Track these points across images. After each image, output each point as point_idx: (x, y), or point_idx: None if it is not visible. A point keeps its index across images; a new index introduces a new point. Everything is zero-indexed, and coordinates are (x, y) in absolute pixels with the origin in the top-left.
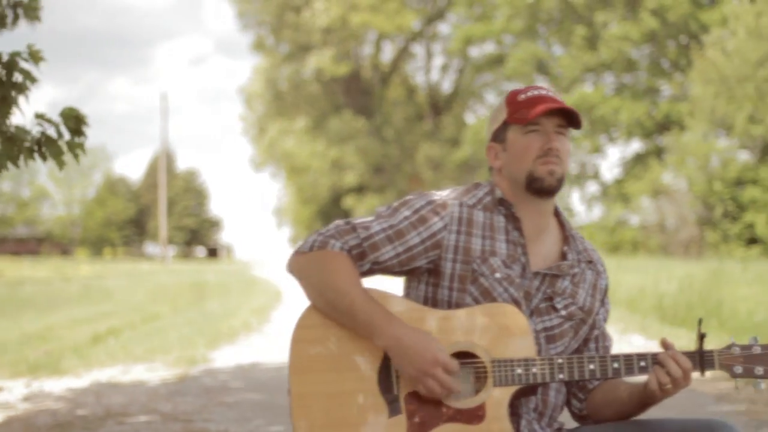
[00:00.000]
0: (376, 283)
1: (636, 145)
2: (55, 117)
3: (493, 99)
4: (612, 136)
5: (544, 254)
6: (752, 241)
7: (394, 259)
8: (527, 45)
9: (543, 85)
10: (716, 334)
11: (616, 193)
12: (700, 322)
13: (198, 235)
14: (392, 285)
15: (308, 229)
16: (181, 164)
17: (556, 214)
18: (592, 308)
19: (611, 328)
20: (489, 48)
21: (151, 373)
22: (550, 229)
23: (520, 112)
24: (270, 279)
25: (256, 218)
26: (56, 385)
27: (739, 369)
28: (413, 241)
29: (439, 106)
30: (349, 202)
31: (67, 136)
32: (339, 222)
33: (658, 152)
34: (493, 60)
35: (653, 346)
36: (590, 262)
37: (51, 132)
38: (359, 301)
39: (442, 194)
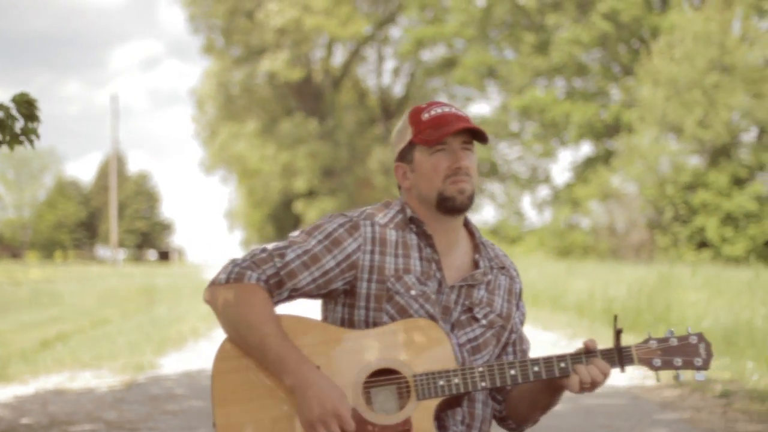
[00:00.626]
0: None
1: (586, 148)
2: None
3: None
4: (563, 140)
5: (458, 266)
6: (702, 245)
7: (311, 284)
8: (478, 50)
9: (444, 102)
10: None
11: (567, 197)
12: (615, 318)
13: (149, 238)
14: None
15: (260, 233)
16: (133, 167)
17: (465, 223)
18: (509, 313)
19: (560, 333)
20: (440, 51)
21: (98, 379)
22: (460, 240)
23: (426, 132)
24: None
25: (208, 221)
26: (2, 393)
27: (657, 362)
28: (329, 264)
29: (390, 109)
30: (300, 206)
31: (20, 121)
32: (255, 250)
33: (608, 156)
34: (445, 64)
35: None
36: (503, 268)
37: (2, 116)
38: (271, 338)
39: (353, 215)
